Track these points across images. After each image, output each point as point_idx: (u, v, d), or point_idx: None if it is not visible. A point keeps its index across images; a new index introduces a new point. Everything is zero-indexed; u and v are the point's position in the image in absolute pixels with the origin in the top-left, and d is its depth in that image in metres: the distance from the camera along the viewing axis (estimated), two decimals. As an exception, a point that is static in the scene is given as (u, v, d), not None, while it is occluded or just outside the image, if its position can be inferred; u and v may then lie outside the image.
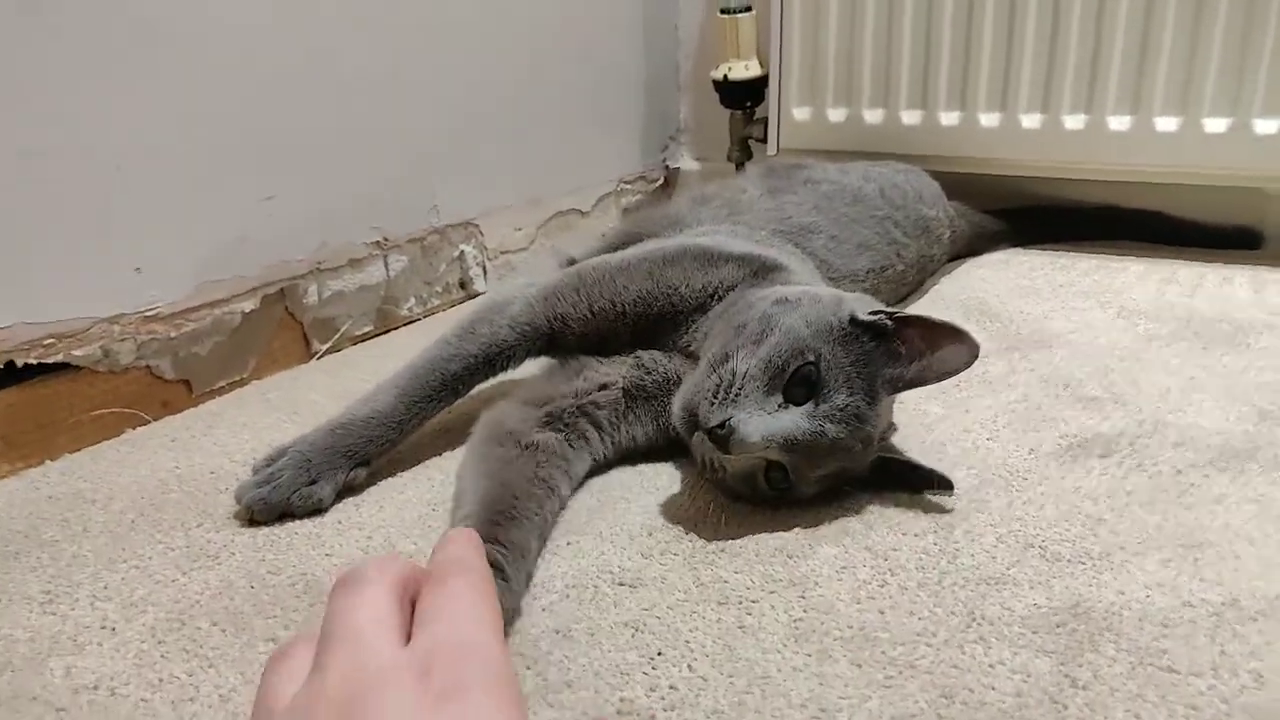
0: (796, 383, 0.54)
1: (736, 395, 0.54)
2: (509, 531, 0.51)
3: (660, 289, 0.65)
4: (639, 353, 0.66)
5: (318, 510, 0.59)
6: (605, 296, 0.65)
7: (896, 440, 0.66)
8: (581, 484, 0.63)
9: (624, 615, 0.49)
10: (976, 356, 0.55)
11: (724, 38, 1.22)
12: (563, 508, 0.59)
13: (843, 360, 0.55)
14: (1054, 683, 0.43)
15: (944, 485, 0.58)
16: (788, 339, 0.55)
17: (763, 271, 0.67)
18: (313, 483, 0.58)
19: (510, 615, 0.48)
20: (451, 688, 0.25)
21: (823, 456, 0.54)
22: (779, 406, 0.54)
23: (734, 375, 0.54)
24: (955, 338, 0.55)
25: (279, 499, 0.57)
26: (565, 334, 0.66)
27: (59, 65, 0.66)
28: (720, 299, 0.65)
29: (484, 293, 1.09)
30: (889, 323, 0.56)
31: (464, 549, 0.34)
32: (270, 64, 0.81)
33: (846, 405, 0.54)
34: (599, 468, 0.64)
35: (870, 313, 0.57)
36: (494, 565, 0.47)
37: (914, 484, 0.59)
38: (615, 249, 0.78)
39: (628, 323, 0.66)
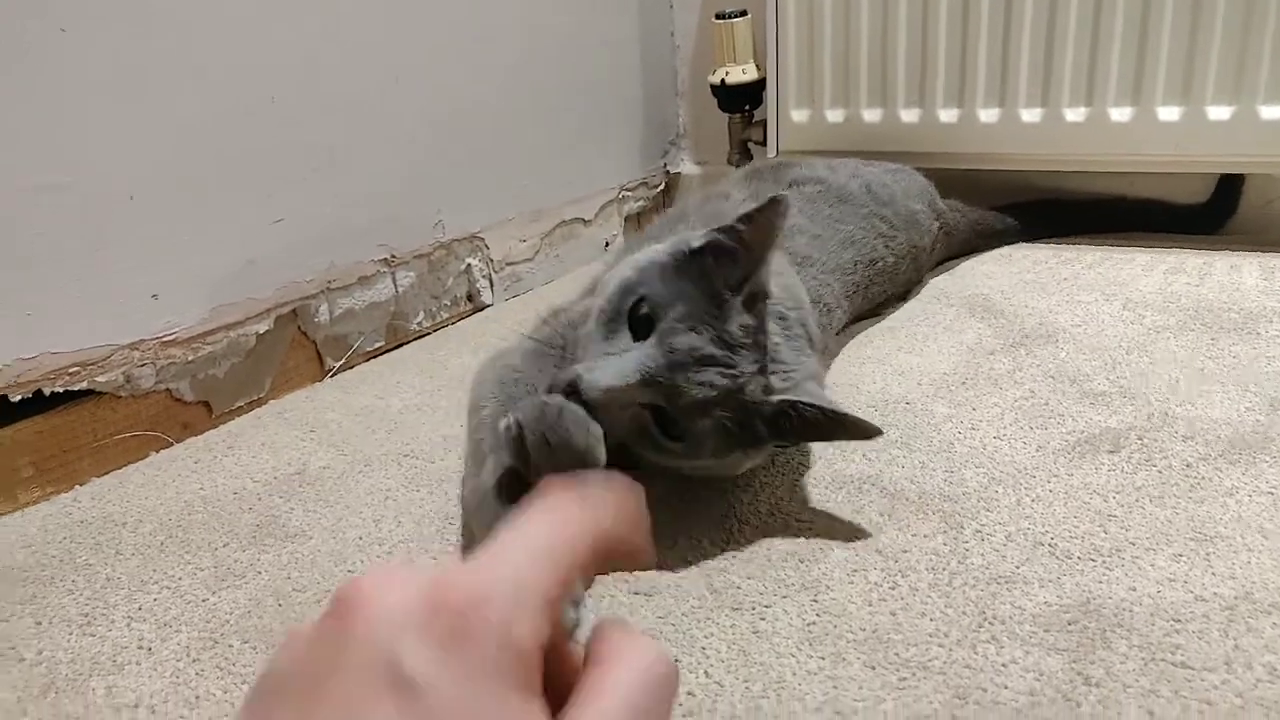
0: (638, 324, 0.53)
1: (575, 355, 0.53)
2: None
3: None
4: None
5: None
6: None
7: (899, 436, 0.67)
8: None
9: (640, 624, 0.50)
10: (785, 205, 0.52)
11: (720, 43, 1.23)
12: None
13: (677, 286, 0.53)
14: (1067, 680, 0.44)
15: (867, 433, 0.54)
16: (615, 286, 0.54)
17: None
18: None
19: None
20: (458, 632, 0.23)
21: (692, 378, 0.51)
22: (625, 349, 0.52)
23: (572, 342, 0.54)
24: (771, 207, 0.53)
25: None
26: None
27: (71, 102, 0.68)
28: None
29: (491, 305, 1.10)
30: (720, 236, 0.54)
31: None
32: (274, 91, 0.83)
33: (688, 314, 0.51)
34: None
35: (703, 235, 0.55)
36: None
37: (835, 433, 0.55)
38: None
39: None
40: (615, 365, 0.51)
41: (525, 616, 0.24)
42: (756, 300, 0.54)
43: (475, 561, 0.25)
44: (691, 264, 0.54)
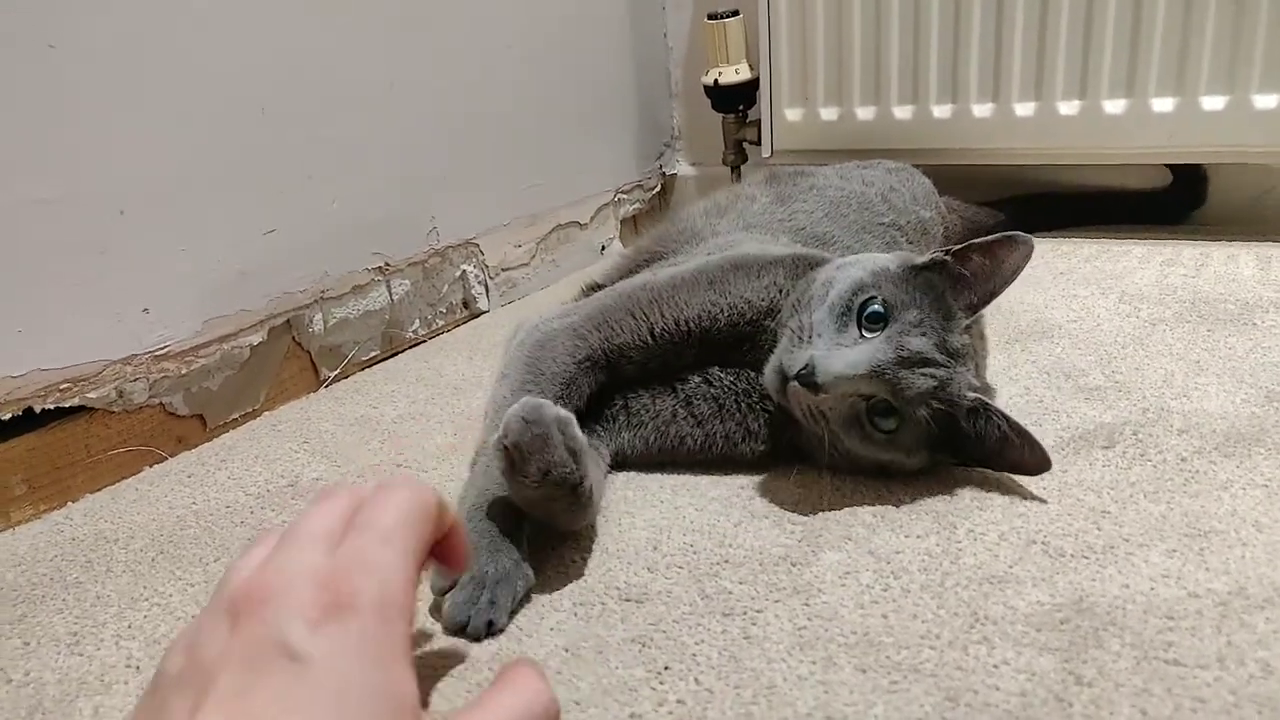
0: (869, 321, 0.57)
1: (810, 338, 0.57)
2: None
3: (727, 299, 0.64)
4: (710, 369, 0.65)
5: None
6: (668, 316, 0.64)
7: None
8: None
9: (631, 631, 0.50)
10: (1032, 248, 0.58)
11: (713, 43, 1.23)
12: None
13: (907, 291, 0.58)
14: (1059, 680, 0.43)
15: (1041, 463, 0.57)
16: (847, 283, 0.59)
17: (813, 265, 0.67)
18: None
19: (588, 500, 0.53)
20: (340, 604, 0.30)
21: (914, 373, 0.55)
22: (855, 341, 0.57)
23: (802, 326, 0.58)
24: (1009, 244, 0.58)
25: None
26: (623, 364, 0.64)
27: (61, 116, 0.68)
28: (786, 296, 0.64)
29: (487, 311, 1.10)
30: (948, 256, 0.59)
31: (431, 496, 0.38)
32: (264, 101, 0.83)
33: (921, 319, 0.56)
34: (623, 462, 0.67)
35: (927, 256, 0.60)
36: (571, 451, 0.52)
37: (1010, 453, 0.58)
38: (637, 268, 0.77)
39: (694, 341, 0.64)
40: (849, 355, 0.56)
41: (397, 577, 0.32)
42: (973, 326, 0.60)
43: (359, 538, 0.33)
44: (917, 277, 0.59)
